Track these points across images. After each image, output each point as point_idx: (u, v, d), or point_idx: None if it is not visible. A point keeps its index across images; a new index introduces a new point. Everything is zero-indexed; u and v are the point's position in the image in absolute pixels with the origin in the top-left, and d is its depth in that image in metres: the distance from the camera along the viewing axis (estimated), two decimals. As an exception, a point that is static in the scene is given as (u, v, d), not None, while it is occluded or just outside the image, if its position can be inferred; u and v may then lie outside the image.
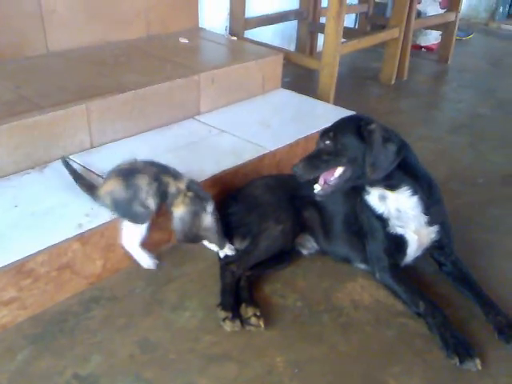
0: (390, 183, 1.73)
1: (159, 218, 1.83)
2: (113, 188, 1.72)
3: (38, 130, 2.04)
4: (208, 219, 1.80)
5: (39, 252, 1.62)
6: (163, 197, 1.76)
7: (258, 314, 1.66)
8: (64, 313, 1.66)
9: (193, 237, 1.83)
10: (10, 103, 2.11)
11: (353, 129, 1.72)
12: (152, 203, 1.73)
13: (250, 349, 1.58)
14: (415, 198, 1.75)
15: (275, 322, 1.68)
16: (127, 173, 1.74)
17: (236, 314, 1.65)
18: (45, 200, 1.86)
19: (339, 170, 1.74)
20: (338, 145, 1.73)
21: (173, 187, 1.77)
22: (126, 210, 1.72)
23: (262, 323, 1.64)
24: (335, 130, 1.75)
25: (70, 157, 2.15)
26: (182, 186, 1.78)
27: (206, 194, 1.82)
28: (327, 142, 1.74)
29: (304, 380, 1.50)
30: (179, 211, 1.77)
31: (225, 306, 1.68)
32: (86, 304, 1.70)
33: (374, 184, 1.76)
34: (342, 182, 1.75)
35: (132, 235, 1.77)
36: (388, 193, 1.76)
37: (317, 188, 1.78)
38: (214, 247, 1.88)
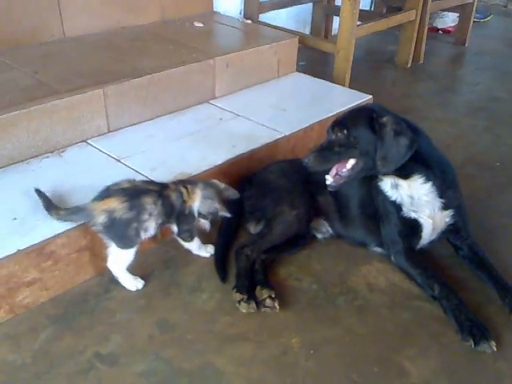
0: (402, 173, 1.73)
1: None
2: (114, 207, 1.59)
3: (56, 115, 2.07)
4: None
5: (59, 234, 1.66)
6: (168, 210, 1.70)
7: (273, 295, 1.68)
8: (84, 294, 1.70)
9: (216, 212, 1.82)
10: (29, 88, 2.14)
11: (365, 121, 1.69)
12: (152, 225, 1.67)
13: (265, 330, 1.61)
14: (429, 185, 1.74)
15: (290, 305, 1.71)
16: (132, 193, 1.64)
17: (251, 296, 1.67)
18: (64, 184, 1.89)
19: (351, 162, 1.73)
20: (350, 137, 1.70)
21: (173, 194, 1.72)
22: (119, 231, 1.61)
23: (277, 305, 1.66)
24: (347, 122, 1.73)
25: (88, 141, 2.18)
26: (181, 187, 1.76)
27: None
28: (339, 134, 1.72)
29: (319, 361, 1.52)
30: (197, 201, 1.77)
31: (240, 288, 1.70)
32: (105, 285, 1.74)
33: (385, 174, 1.75)
34: (354, 173, 1.74)
35: (119, 259, 1.68)
36: (400, 181, 1.75)
37: (329, 179, 1.77)
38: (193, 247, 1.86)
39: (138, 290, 1.72)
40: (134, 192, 1.65)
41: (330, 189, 1.80)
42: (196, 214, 1.79)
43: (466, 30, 4.42)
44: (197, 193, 1.77)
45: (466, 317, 1.60)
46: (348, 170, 1.75)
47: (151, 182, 1.79)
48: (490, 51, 4.42)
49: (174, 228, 1.78)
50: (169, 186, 1.75)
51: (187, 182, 1.81)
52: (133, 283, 1.72)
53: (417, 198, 1.76)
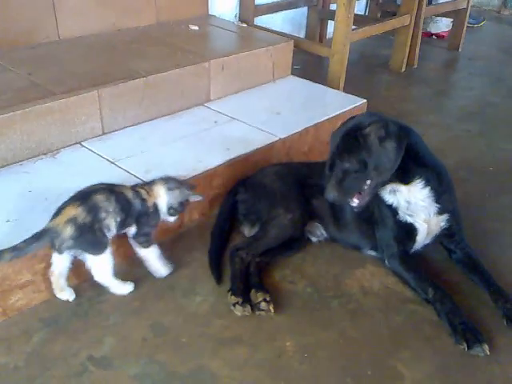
0: (404, 178, 1.72)
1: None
2: (74, 214, 1.53)
3: (50, 117, 2.06)
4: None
5: (53, 237, 1.64)
6: (124, 207, 1.64)
7: (268, 299, 1.68)
8: (78, 296, 1.69)
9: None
10: (23, 90, 2.13)
11: (356, 141, 1.66)
12: (112, 223, 1.61)
13: (260, 333, 1.61)
14: (427, 189, 1.75)
15: (285, 308, 1.71)
16: (82, 196, 1.59)
17: (246, 299, 1.68)
18: (58, 185, 1.88)
19: (368, 182, 1.72)
20: (354, 164, 1.68)
21: (128, 192, 1.68)
22: (88, 237, 1.55)
23: (271, 308, 1.66)
24: (344, 151, 1.69)
25: (82, 143, 2.17)
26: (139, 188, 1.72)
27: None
28: (346, 165, 1.69)
29: (313, 364, 1.52)
30: (162, 195, 1.72)
31: (235, 291, 1.70)
32: (99, 288, 1.72)
33: (388, 182, 1.74)
34: (375, 189, 1.74)
35: (101, 267, 1.63)
36: (400, 186, 1.75)
37: (354, 202, 1.75)
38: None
39: (131, 293, 1.71)
40: (84, 194, 1.60)
41: (355, 210, 1.78)
42: (165, 210, 1.74)
43: (460, 35, 4.45)
44: (158, 188, 1.73)
45: (459, 320, 1.60)
46: (368, 188, 1.72)
47: (100, 183, 1.70)
48: (484, 56, 4.46)
49: (132, 230, 1.71)
50: (121, 184, 1.70)
51: (142, 184, 1.77)
52: (123, 287, 1.70)
53: (414, 202, 1.77)
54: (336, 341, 1.60)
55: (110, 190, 1.64)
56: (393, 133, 1.64)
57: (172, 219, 1.79)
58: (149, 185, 1.76)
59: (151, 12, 3.05)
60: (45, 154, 2.09)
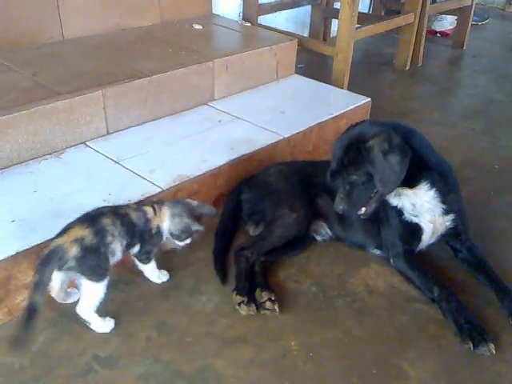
0: (409, 183, 1.71)
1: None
2: (81, 234, 1.49)
3: (55, 117, 2.06)
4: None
5: (58, 236, 1.65)
6: (129, 229, 1.61)
7: (273, 298, 1.68)
8: (83, 296, 1.70)
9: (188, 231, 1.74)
10: (28, 90, 2.14)
11: (360, 154, 1.65)
12: (118, 248, 1.58)
13: (265, 332, 1.61)
14: (433, 191, 1.74)
15: (290, 307, 1.70)
16: (90, 218, 1.56)
17: (251, 299, 1.68)
18: (63, 185, 1.89)
19: (375, 190, 1.71)
20: (361, 177, 1.68)
21: (133, 213, 1.64)
22: (92, 261, 1.51)
23: (276, 307, 1.66)
24: (349, 164, 1.68)
25: (87, 143, 2.18)
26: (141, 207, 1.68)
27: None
28: (354, 177, 1.69)
29: (318, 363, 1.52)
30: (165, 220, 1.69)
31: (240, 290, 1.70)
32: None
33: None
34: (381, 198, 1.73)
35: (91, 298, 1.55)
36: (406, 190, 1.74)
37: (362, 211, 1.74)
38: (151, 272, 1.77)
39: (136, 293, 1.72)
40: (91, 217, 1.56)
41: (363, 217, 1.78)
42: (167, 234, 1.72)
43: (464, 32, 4.43)
44: (165, 212, 1.69)
45: (465, 319, 1.60)
46: (375, 198, 1.72)
47: (105, 206, 1.68)
48: (488, 54, 4.44)
49: (136, 249, 1.67)
50: (126, 205, 1.68)
51: (154, 202, 1.74)
52: (105, 324, 1.60)
53: (419, 205, 1.77)
54: (341, 340, 1.60)
55: (116, 212, 1.61)
56: (396, 146, 1.62)
57: (179, 244, 1.76)
58: (159, 205, 1.71)
59: (155, 12, 3.05)
60: (50, 154, 2.09)
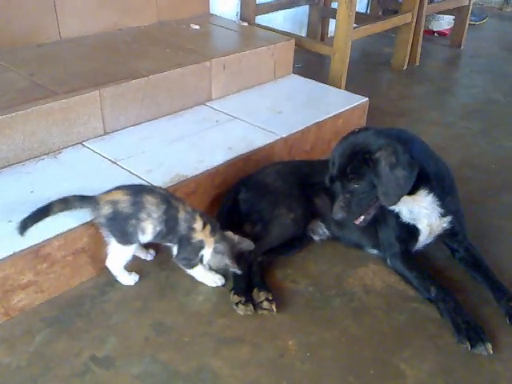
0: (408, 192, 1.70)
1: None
2: (118, 198, 1.60)
3: (52, 117, 2.06)
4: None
5: (55, 237, 1.65)
6: (170, 222, 1.65)
7: (271, 298, 1.68)
8: (80, 296, 1.70)
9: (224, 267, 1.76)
10: (25, 90, 2.13)
11: (365, 165, 1.63)
12: (150, 229, 1.63)
13: (262, 332, 1.61)
14: (430, 197, 1.74)
15: (287, 307, 1.70)
16: (136, 190, 1.65)
17: (249, 299, 1.68)
18: (60, 185, 1.88)
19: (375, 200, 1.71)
20: (363, 186, 1.67)
21: (182, 212, 1.67)
22: (120, 225, 1.61)
23: (274, 307, 1.66)
24: (352, 173, 1.66)
25: (84, 143, 2.18)
26: (193, 214, 1.70)
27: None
28: (355, 186, 1.68)
29: (316, 363, 1.52)
30: (209, 252, 1.72)
31: (237, 290, 1.70)
32: (101, 288, 1.73)
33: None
34: (379, 206, 1.73)
35: (119, 256, 1.68)
36: (404, 197, 1.70)
37: (359, 220, 1.74)
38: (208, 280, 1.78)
39: (133, 293, 1.72)
40: (139, 189, 1.67)
41: (360, 225, 1.76)
42: (205, 262, 1.75)
43: (462, 32, 4.44)
44: (211, 242, 1.71)
45: (462, 319, 1.60)
46: (374, 207, 1.72)
47: (164, 189, 1.74)
48: (486, 54, 4.44)
49: (174, 250, 1.72)
50: (182, 201, 1.71)
51: (208, 219, 1.74)
52: (130, 278, 1.74)
53: (417, 211, 1.77)
54: (338, 339, 1.60)
55: (167, 199, 1.65)
56: (404, 161, 1.61)
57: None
58: (213, 228, 1.72)
59: (152, 11, 3.05)
60: (46, 154, 2.09)
